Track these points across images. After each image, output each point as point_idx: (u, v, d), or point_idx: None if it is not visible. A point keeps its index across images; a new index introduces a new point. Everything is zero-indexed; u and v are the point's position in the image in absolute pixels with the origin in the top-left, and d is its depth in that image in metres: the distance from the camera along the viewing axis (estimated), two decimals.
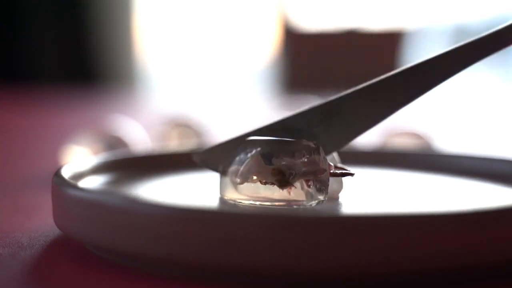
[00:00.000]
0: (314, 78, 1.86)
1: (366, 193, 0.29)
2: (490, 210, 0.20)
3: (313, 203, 0.25)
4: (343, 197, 0.27)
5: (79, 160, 0.31)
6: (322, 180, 0.25)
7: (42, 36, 2.27)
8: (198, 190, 0.29)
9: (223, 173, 0.26)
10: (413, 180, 0.33)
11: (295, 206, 0.25)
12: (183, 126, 0.56)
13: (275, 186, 0.24)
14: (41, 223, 0.29)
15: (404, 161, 0.36)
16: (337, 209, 0.26)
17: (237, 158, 0.25)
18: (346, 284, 0.20)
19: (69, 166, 0.29)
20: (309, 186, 0.25)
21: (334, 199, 0.27)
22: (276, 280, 0.20)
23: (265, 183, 0.25)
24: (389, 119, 0.27)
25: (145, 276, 0.21)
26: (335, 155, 0.28)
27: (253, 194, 0.25)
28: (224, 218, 0.20)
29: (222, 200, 0.26)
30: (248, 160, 0.25)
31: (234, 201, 0.25)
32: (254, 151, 0.25)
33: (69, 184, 0.24)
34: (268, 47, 2.44)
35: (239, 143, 0.26)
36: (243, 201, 0.25)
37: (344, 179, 0.28)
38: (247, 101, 1.64)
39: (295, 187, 0.25)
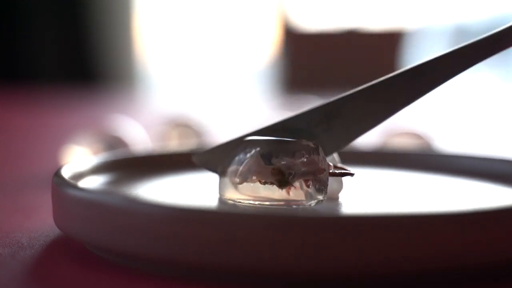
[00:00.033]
0: (314, 78, 1.86)
1: (366, 193, 0.29)
2: (490, 210, 0.20)
3: (313, 203, 0.25)
4: (343, 197, 0.27)
5: (79, 160, 0.31)
6: (321, 180, 0.25)
7: (42, 36, 2.27)
8: (198, 190, 0.29)
9: (223, 173, 0.26)
10: (413, 180, 0.33)
11: (294, 206, 0.25)
12: (183, 126, 0.56)
13: (275, 186, 0.24)
14: (41, 223, 0.29)
15: (404, 161, 0.36)
16: (337, 209, 0.26)
17: (237, 158, 0.25)
18: (346, 284, 0.20)
19: (69, 166, 0.29)
20: (308, 186, 0.25)
21: (334, 199, 0.27)
22: (276, 280, 0.20)
23: (264, 183, 0.25)
24: (389, 119, 0.27)
25: (145, 276, 0.21)
26: (335, 155, 0.28)
27: (253, 194, 0.25)
28: (224, 218, 0.20)
29: (221, 200, 0.26)
30: (248, 160, 0.25)
31: (234, 201, 0.25)
32: (253, 151, 0.25)
33: (69, 184, 0.24)
34: (268, 47, 2.44)
35: (238, 145, 0.26)
36: (242, 201, 0.25)
37: (344, 179, 0.28)
38: (247, 101, 1.64)
39: (295, 187, 0.25)
